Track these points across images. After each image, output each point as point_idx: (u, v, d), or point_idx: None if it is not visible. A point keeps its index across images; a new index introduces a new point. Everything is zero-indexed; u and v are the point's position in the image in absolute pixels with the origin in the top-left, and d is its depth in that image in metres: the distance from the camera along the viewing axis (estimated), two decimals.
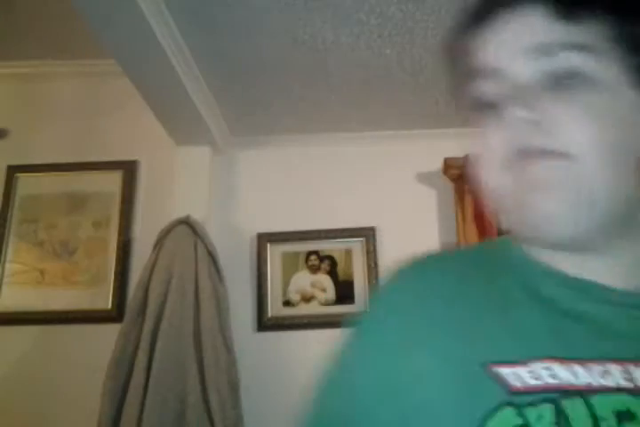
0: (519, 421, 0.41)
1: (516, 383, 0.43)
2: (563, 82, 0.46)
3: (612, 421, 0.41)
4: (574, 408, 0.42)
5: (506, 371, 0.44)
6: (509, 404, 0.42)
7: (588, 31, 0.46)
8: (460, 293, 0.50)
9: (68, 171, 2.15)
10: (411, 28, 1.57)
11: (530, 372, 0.44)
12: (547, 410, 0.42)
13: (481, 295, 0.50)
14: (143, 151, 2.17)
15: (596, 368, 0.43)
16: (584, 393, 0.42)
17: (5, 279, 2.04)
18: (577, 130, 0.44)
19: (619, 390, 0.42)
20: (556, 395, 0.42)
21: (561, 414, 0.41)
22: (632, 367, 0.43)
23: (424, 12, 1.51)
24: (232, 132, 2.18)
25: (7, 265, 2.05)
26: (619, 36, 0.46)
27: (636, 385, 0.42)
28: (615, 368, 0.43)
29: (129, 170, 2.14)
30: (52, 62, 2.21)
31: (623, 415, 0.41)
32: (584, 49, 0.46)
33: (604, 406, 0.41)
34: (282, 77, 1.81)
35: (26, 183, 2.14)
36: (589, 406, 0.42)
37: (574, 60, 0.46)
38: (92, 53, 2.02)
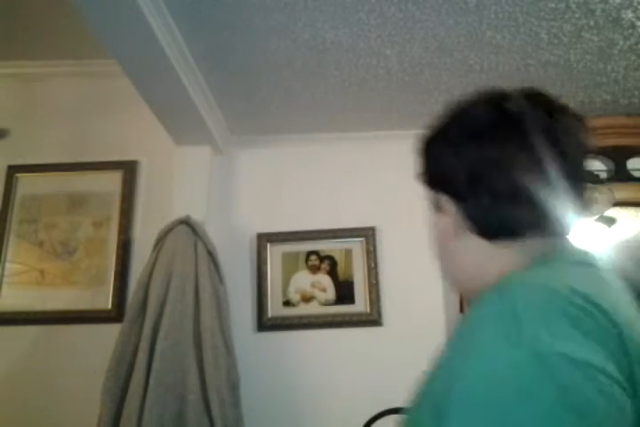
0: None
1: None
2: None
3: None
4: None
5: None
6: None
7: None
8: None
9: (68, 171, 2.15)
10: (411, 28, 1.58)
11: None
12: None
13: None
14: (143, 151, 2.18)
15: None
16: None
17: (5, 279, 2.04)
18: None
19: None
20: None
21: None
22: None
23: (424, 12, 1.51)
24: (232, 132, 2.18)
25: (7, 265, 2.05)
26: None
27: None
28: None
29: (129, 170, 2.14)
30: (52, 62, 2.21)
31: None
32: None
33: None
34: (282, 77, 1.81)
35: (26, 183, 2.15)
36: None
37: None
38: (92, 53, 2.03)
